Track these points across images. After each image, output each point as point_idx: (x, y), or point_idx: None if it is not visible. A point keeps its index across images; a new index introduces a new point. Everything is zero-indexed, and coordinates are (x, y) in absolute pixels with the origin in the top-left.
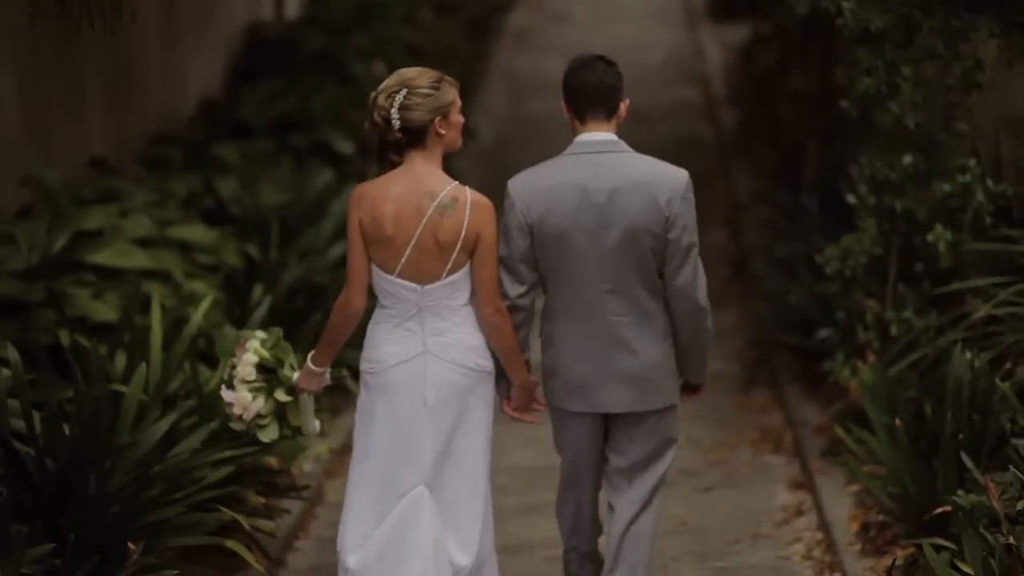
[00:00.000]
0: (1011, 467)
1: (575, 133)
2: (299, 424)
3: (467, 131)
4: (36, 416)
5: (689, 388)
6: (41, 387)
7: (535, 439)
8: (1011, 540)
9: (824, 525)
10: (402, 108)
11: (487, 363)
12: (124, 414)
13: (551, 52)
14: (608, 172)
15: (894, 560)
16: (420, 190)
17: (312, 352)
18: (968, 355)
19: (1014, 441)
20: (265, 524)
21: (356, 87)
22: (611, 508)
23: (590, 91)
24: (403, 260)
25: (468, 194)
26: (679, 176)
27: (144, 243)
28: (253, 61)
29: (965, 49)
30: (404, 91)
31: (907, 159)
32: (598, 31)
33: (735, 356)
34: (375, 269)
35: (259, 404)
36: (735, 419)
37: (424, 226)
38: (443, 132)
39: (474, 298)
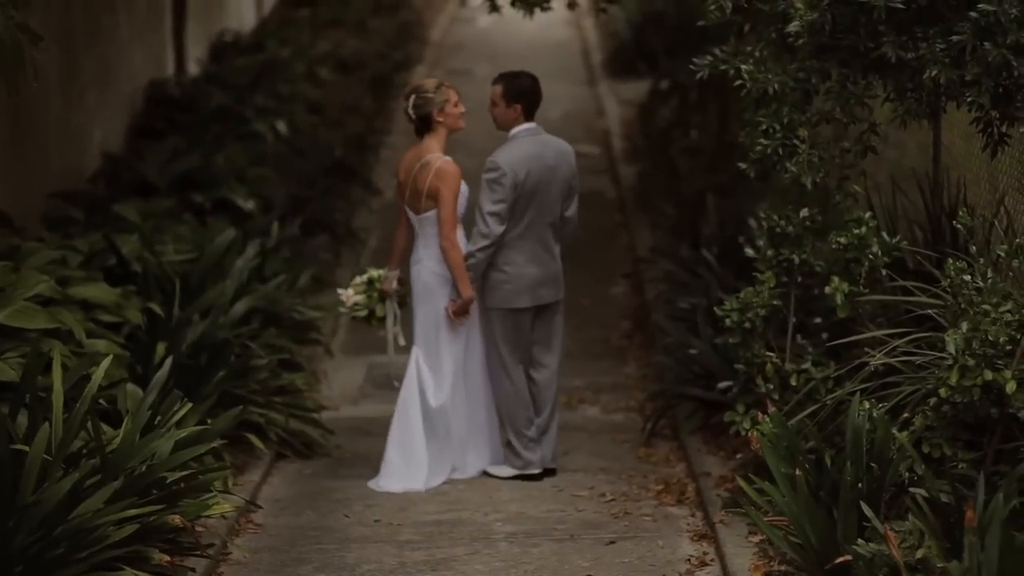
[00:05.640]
0: (910, 516)
1: (509, 127)
2: (381, 323)
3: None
4: None
5: None
6: None
7: (439, 493)
8: None
9: None
10: (413, 106)
11: (448, 274)
12: (27, 473)
13: None
14: (549, 146)
15: None
16: (417, 156)
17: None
18: (866, 405)
19: (912, 490)
20: None
21: (259, 144)
22: (532, 379)
23: (536, 99)
24: (407, 196)
25: (439, 161)
26: (571, 148)
27: (45, 302)
28: (155, 118)
29: (860, 113)
30: (414, 95)
31: (804, 212)
32: None
33: (637, 409)
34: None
35: (358, 299)
36: (638, 471)
37: (413, 177)
38: (440, 120)
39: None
